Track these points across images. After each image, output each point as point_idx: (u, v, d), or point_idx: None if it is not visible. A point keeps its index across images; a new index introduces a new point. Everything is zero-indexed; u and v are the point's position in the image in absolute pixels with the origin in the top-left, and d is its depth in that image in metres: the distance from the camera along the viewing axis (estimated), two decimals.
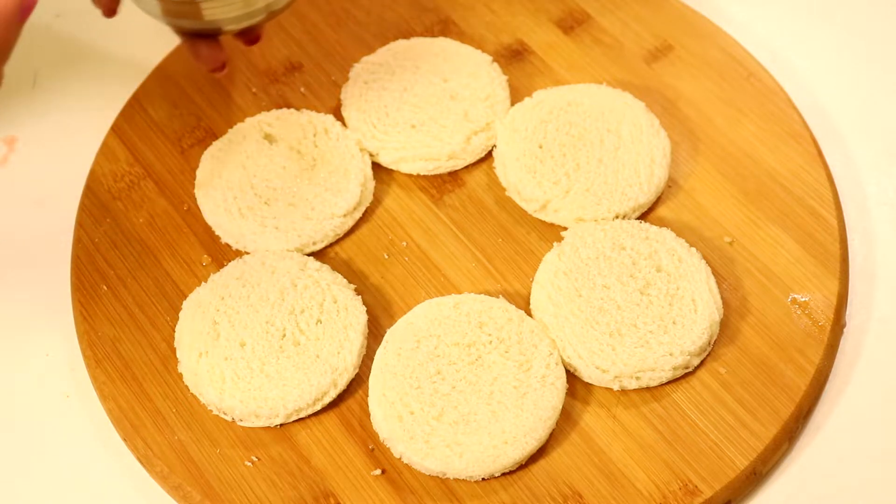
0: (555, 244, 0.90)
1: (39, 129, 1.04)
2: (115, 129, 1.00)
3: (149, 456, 0.84)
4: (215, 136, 0.98)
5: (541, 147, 0.95)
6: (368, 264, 0.92)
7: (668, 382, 0.85)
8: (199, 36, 0.88)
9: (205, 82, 1.02)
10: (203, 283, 0.90)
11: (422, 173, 0.96)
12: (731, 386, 0.85)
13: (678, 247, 0.89)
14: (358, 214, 0.94)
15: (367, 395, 0.85)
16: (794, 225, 0.92)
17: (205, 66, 0.90)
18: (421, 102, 0.98)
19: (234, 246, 0.93)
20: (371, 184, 0.96)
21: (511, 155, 0.95)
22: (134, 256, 0.93)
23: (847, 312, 0.91)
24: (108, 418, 0.87)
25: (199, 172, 0.95)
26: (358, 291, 0.90)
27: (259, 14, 0.86)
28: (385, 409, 0.83)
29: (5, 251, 0.97)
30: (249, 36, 0.91)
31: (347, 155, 0.95)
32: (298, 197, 0.93)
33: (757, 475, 0.83)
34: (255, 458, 0.84)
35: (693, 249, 0.89)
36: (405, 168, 0.96)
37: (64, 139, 1.03)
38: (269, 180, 0.94)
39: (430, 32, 1.05)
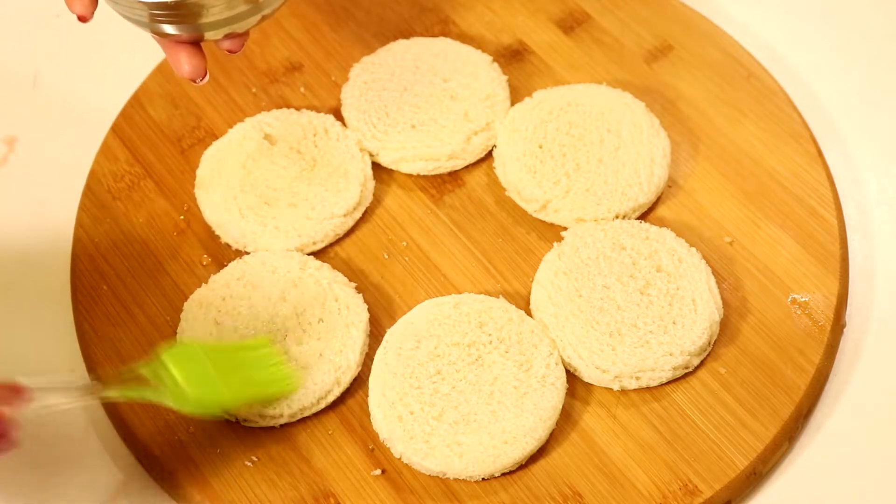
0: (555, 244, 0.90)
1: (39, 129, 1.04)
2: (115, 129, 1.00)
3: (149, 456, 0.84)
4: (215, 136, 0.98)
5: (541, 147, 0.95)
6: (368, 264, 0.92)
7: (668, 382, 0.85)
8: (182, 42, 0.81)
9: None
10: (204, 283, 0.90)
11: (422, 173, 0.96)
12: (731, 386, 0.85)
13: (678, 247, 0.89)
14: (358, 214, 0.94)
15: (367, 395, 0.85)
16: (794, 225, 0.92)
17: (187, 75, 0.82)
18: (421, 102, 0.98)
19: (234, 246, 0.93)
20: (371, 184, 0.95)
21: (511, 155, 0.95)
22: (134, 256, 0.93)
23: (847, 312, 0.91)
24: (108, 418, 0.87)
25: (199, 172, 0.95)
26: (358, 290, 0.90)
27: (254, 13, 0.80)
28: (385, 409, 0.83)
29: (5, 251, 0.96)
30: (236, 41, 0.82)
31: (347, 155, 0.95)
32: (298, 197, 0.93)
33: (757, 475, 0.83)
34: (255, 458, 0.84)
35: (693, 249, 0.89)
36: (405, 168, 0.96)
37: (64, 139, 1.03)
38: (269, 180, 0.94)
39: (430, 32, 1.05)
